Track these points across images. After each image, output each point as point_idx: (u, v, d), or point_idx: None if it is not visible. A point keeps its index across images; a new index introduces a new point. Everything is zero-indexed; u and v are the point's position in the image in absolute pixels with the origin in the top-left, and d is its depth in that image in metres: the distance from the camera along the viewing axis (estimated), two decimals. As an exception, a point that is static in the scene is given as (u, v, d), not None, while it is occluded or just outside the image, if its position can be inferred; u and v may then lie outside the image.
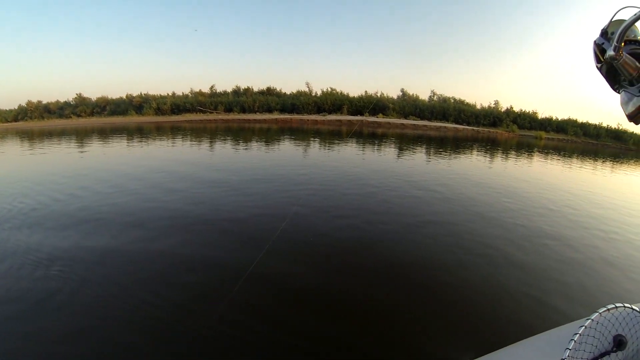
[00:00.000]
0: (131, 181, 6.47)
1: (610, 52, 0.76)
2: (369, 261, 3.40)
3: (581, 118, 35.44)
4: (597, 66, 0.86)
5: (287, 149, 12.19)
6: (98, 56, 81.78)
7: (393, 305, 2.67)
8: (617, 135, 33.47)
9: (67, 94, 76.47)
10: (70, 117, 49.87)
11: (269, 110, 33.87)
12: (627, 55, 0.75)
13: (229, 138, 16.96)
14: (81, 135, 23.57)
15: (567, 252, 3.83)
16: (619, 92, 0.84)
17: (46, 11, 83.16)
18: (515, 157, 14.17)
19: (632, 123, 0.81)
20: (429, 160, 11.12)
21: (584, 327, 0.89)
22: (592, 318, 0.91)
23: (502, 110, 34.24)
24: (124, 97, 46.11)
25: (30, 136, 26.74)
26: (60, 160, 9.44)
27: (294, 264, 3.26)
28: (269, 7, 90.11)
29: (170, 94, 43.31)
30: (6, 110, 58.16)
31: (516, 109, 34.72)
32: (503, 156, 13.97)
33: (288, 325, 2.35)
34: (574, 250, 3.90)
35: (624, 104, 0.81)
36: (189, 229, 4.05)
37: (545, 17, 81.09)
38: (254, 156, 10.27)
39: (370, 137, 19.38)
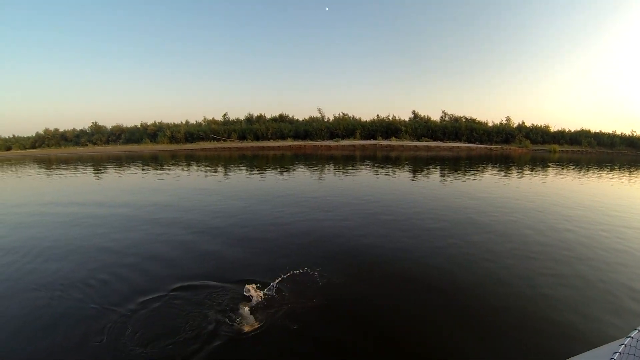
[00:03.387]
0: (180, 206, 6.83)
1: None
2: (410, 278, 3.67)
3: (594, 128, 35.41)
4: None
5: (307, 175, 12.56)
6: (113, 85, 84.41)
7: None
8: (631, 142, 33.34)
9: (83, 122, 78.98)
10: (87, 144, 51.19)
11: (282, 137, 34.46)
12: None
13: (250, 166, 17.52)
14: (97, 163, 24.31)
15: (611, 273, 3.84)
16: None
17: (62, 42, 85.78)
18: (542, 172, 14.06)
19: None
20: (446, 181, 11.30)
21: (623, 346, 0.90)
22: (632, 336, 0.92)
23: (514, 126, 34.33)
24: (139, 125, 47.19)
25: (49, 163, 27.67)
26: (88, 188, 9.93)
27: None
28: (279, 35, 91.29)
29: (183, 122, 44.19)
30: (24, 137, 59.96)
31: (528, 123, 34.86)
32: (530, 173, 13.83)
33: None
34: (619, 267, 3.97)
35: None
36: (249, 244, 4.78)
37: (551, 29, 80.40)
38: (277, 182, 10.80)
39: (385, 160, 19.56)
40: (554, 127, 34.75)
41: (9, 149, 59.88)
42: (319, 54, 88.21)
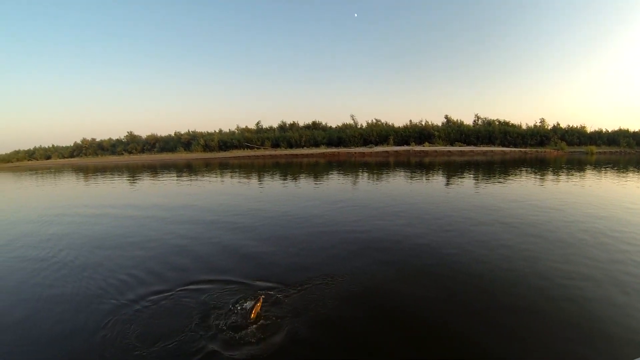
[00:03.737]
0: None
1: None
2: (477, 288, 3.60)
3: (633, 127, 34.65)
4: None
5: (346, 182, 13.07)
6: (148, 95, 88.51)
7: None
8: (672, 140, 32.47)
9: (119, 132, 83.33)
10: (122, 153, 53.65)
11: (316, 145, 35.42)
12: None
13: (284, 173, 18.44)
14: (133, 171, 25.65)
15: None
16: None
17: (100, 55, 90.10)
18: (593, 176, 13.73)
19: None
20: (488, 185, 11.38)
21: None
22: None
23: (549, 127, 34.00)
24: (173, 134, 49.12)
25: (86, 170, 29.50)
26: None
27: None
28: (309, 43, 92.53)
29: (217, 131, 45.83)
30: (63, 146, 63.39)
31: (563, 124, 34.45)
32: (568, 176, 13.68)
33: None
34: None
35: None
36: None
37: (586, 28, 77.82)
38: (317, 190, 11.39)
39: (419, 166, 19.71)
40: (591, 128, 34.22)
41: (48, 157, 63.16)
42: (350, 60, 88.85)
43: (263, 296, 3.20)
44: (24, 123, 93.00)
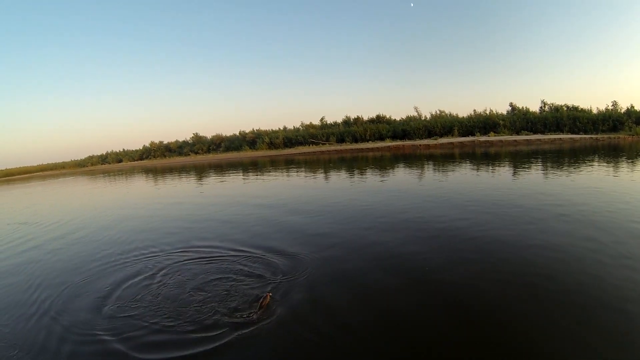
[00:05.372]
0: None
1: None
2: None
3: None
4: None
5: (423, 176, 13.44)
6: (212, 96, 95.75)
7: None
8: None
9: (184, 134, 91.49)
10: (189, 154, 58.98)
11: (381, 138, 37.58)
12: None
13: (350, 167, 18.95)
14: (199, 170, 27.75)
15: None
16: None
17: (162, 57, 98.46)
18: None
19: None
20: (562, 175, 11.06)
21: None
22: None
23: (622, 111, 33.16)
24: (237, 133, 53.31)
25: (155, 171, 32.71)
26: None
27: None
28: (368, 34, 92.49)
29: (281, 128, 49.29)
30: (133, 150, 70.33)
31: (638, 107, 33.39)
32: None
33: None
34: None
35: None
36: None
37: None
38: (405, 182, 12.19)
39: (484, 157, 19.41)
40: (671, 109, 32.91)
41: (119, 161, 70.42)
42: (414, 51, 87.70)
43: (270, 294, 3.53)
44: (98, 129, 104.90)
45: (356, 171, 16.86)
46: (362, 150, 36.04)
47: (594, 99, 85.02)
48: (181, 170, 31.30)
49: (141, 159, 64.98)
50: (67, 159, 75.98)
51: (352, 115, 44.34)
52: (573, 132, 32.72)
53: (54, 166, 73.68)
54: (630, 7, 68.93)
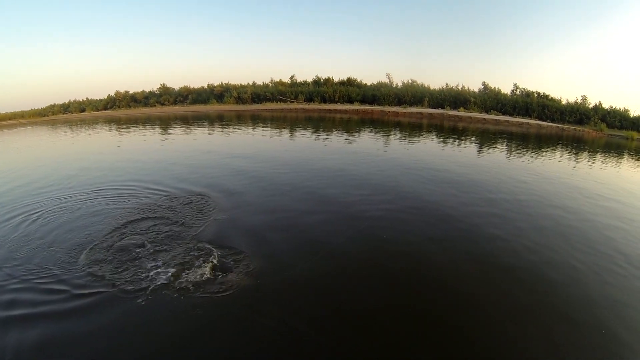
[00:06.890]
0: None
1: None
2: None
3: (680, 114, 33.11)
4: None
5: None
6: (181, 47, 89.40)
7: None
8: None
9: (151, 85, 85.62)
10: (155, 105, 55.03)
11: (350, 101, 35.74)
12: None
13: (316, 128, 18.85)
14: (165, 122, 26.54)
15: None
16: None
17: (131, 10, 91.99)
18: None
19: None
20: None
21: None
22: None
23: (590, 106, 33.14)
24: (206, 86, 50.09)
25: (119, 122, 30.94)
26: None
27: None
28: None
29: (250, 84, 46.53)
30: (97, 99, 65.54)
31: (606, 105, 33.45)
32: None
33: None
34: None
35: None
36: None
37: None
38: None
39: (452, 131, 20.06)
40: (634, 112, 33.21)
41: (82, 110, 65.46)
42: (391, 18, 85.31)
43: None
44: (59, 78, 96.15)
45: (321, 131, 16.97)
46: (330, 111, 34.28)
47: (564, 90, 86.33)
48: (146, 121, 29.39)
49: (105, 108, 60.61)
50: (27, 108, 70.66)
51: (323, 76, 42.36)
52: (541, 119, 32.23)
53: (13, 115, 68.31)
54: (612, 7, 69.71)
